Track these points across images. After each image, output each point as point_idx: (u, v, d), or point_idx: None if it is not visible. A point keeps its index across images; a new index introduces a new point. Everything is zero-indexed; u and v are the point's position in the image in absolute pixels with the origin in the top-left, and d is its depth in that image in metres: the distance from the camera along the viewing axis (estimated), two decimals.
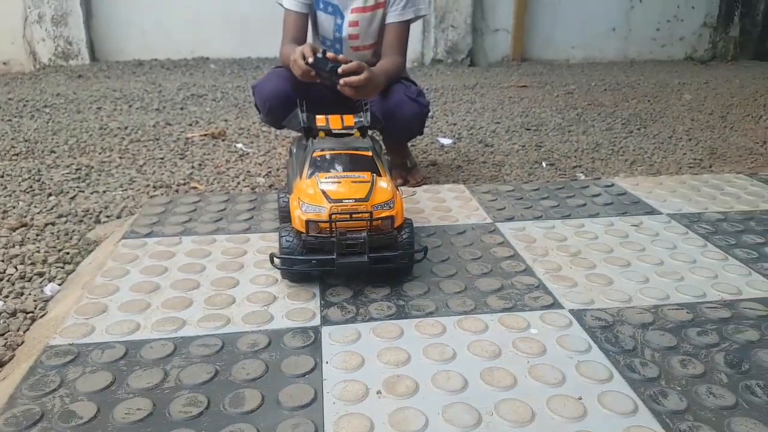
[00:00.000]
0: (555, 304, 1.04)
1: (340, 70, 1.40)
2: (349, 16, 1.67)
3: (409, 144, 1.96)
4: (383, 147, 1.76)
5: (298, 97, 1.38)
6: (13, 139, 2.44)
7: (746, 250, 1.27)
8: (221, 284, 1.11)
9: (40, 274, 1.35)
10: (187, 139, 2.45)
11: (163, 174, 2.02)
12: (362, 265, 1.03)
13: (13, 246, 1.49)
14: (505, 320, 0.98)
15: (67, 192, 1.86)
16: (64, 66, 4.16)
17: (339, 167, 1.14)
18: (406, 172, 1.85)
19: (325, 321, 0.99)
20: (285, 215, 1.24)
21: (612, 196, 1.59)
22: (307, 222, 1.04)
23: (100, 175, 2.02)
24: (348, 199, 1.04)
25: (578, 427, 0.75)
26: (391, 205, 1.07)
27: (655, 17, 5.07)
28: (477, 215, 1.45)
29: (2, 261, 1.40)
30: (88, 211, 1.70)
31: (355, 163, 1.14)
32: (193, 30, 4.36)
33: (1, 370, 1.01)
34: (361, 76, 1.41)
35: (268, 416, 0.77)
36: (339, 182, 1.08)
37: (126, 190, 1.88)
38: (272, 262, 1.09)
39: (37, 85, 3.60)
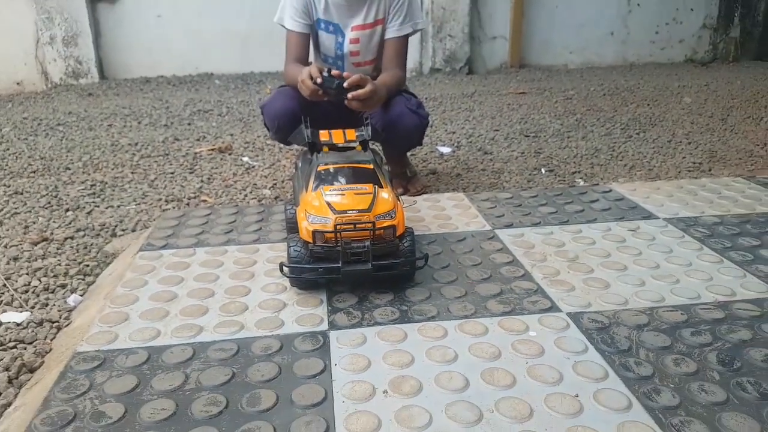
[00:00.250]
0: (553, 308, 1.09)
1: (345, 84, 1.47)
2: (350, 34, 1.74)
3: (408, 154, 2.02)
4: (384, 158, 1.83)
5: (304, 114, 1.45)
6: (29, 157, 2.53)
7: (741, 253, 1.31)
8: (234, 292, 1.17)
9: (63, 286, 1.42)
10: (196, 153, 2.52)
11: (174, 188, 2.09)
12: (366, 273, 1.09)
13: (36, 259, 1.56)
14: (504, 323, 1.03)
15: (84, 207, 1.94)
16: (75, 85, 4.27)
17: (342, 180, 1.20)
18: (407, 181, 1.91)
19: (333, 326, 1.04)
20: (292, 226, 1.30)
21: (609, 201, 1.64)
22: (314, 232, 1.10)
23: (113, 190, 2.10)
24: (352, 210, 1.10)
25: (575, 422, 0.80)
26: (393, 215, 1.12)
27: (653, 20, 5.12)
28: (476, 222, 1.50)
29: (27, 274, 1.47)
30: (104, 225, 1.77)
31: (357, 176, 1.20)
32: (196, 47, 4.46)
33: (32, 375, 1.07)
34: (366, 89, 1.48)
35: (282, 414, 0.82)
36: (343, 194, 1.14)
37: (139, 204, 1.95)
38: (282, 270, 1.14)
39: (50, 104, 3.70)
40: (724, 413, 0.80)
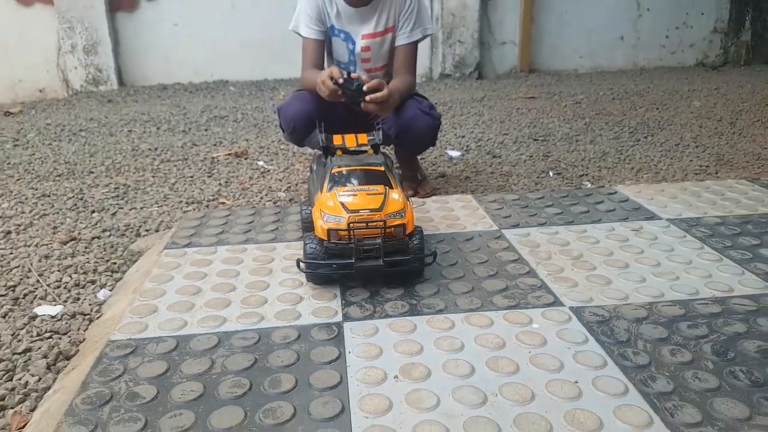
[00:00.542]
0: (556, 302, 1.15)
1: (365, 87, 1.54)
2: (361, 42, 1.81)
3: (419, 157, 2.09)
4: (394, 161, 1.89)
5: (319, 118, 1.52)
6: (54, 161, 2.63)
7: (741, 251, 1.35)
8: (254, 287, 1.25)
9: (92, 282, 1.50)
10: (213, 158, 2.61)
11: (193, 191, 2.18)
12: (378, 269, 1.16)
13: (66, 258, 1.64)
14: (509, 316, 1.09)
15: (108, 209, 2.03)
16: (95, 92, 4.40)
17: (355, 181, 1.27)
18: (417, 183, 1.98)
19: (347, 318, 1.11)
20: (307, 225, 1.37)
21: (614, 203, 1.69)
22: (329, 230, 1.17)
23: (136, 192, 2.19)
24: (364, 209, 1.17)
25: (573, 405, 0.86)
26: (403, 215, 1.19)
27: (663, 25, 5.14)
28: (484, 223, 1.56)
29: (58, 271, 1.56)
30: (128, 225, 1.86)
31: (369, 178, 1.27)
32: (212, 55, 4.57)
33: (68, 362, 1.15)
34: (384, 92, 1.55)
35: (301, 395, 0.89)
36: (355, 195, 1.21)
37: (161, 206, 2.03)
38: (298, 266, 1.22)
39: (72, 111, 3.82)
40: (716, 399, 0.86)
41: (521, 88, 4.26)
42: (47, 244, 1.75)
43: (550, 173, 2.30)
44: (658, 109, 3.44)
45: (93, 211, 2.01)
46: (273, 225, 1.60)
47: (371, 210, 1.17)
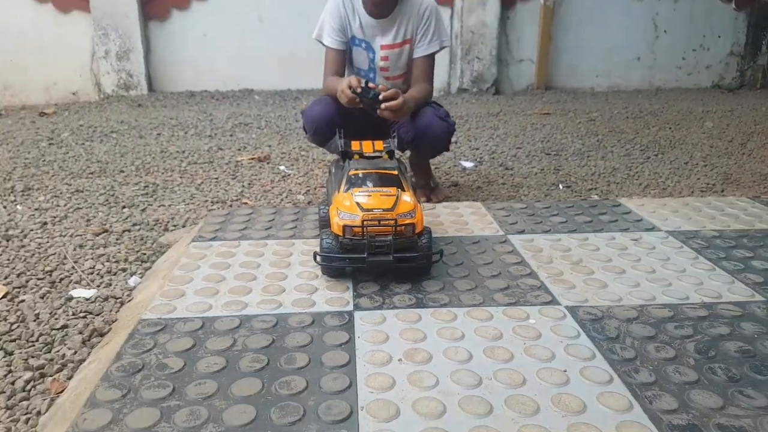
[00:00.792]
0: (553, 301, 1.23)
1: (381, 96, 1.65)
2: (380, 52, 1.92)
3: (433, 167, 2.18)
4: (408, 169, 1.99)
5: (339, 121, 1.62)
6: (87, 160, 2.78)
7: (734, 263, 1.42)
8: (273, 277, 1.35)
9: (123, 270, 1.62)
10: (237, 162, 2.74)
11: (218, 191, 2.30)
12: (388, 264, 1.25)
13: (98, 248, 1.76)
14: (508, 312, 1.18)
15: (138, 205, 2.15)
16: (125, 96, 4.59)
17: (370, 184, 1.37)
18: (429, 191, 2.07)
19: (357, 307, 1.21)
20: (324, 223, 1.47)
21: (617, 214, 1.77)
22: (344, 227, 1.27)
23: (164, 191, 2.31)
24: (377, 209, 1.27)
25: (561, 391, 0.94)
26: (413, 215, 1.29)
27: (680, 46, 5.20)
28: (491, 228, 1.65)
29: (92, 259, 1.68)
30: (157, 221, 1.98)
31: (383, 181, 1.37)
32: (239, 65, 4.75)
33: (102, 339, 1.26)
34: (399, 101, 1.66)
35: (314, 372, 0.99)
36: (370, 195, 1.31)
37: (188, 204, 2.16)
38: (315, 259, 1.32)
39: (103, 113, 4.00)
40: (693, 390, 0.93)
41: (537, 105, 4.35)
42: (81, 235, 1.87)
43: (560, 186, 2.37)
44: (670, 128, 3.50)
45: (124, 207, 2.14)
46: (292, 223, 1.71)
47: (384, 210, 1.27)
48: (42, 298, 1.47)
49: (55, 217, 2.03)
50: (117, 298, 1.46)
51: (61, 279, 1.58)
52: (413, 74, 1.95)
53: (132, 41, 4.55)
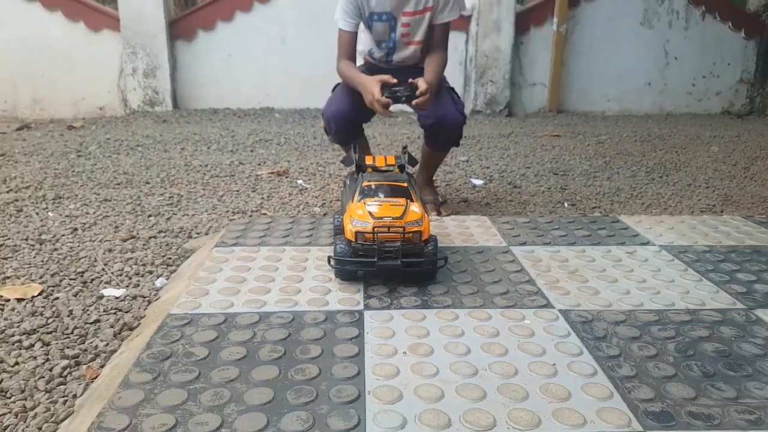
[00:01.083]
0: (548, 305, 1.32)
1: (414, 102, 1.83)
2: (402, 19, 2.02)
3: (444, 183, 2.30)
4: (416, 182, 2.11)
5: (357, 117, 1.72)
6: (114, 171, 2.93)
7: (721, 275, 1.50)
8: (290, 279, 1.46)
9: (150, 272, 1.74)
10: (257, 176, 2.88)
11: (239, 203, 2.43)
12: (396, 268, 1.36)
13: (126, 252, 1.89)
14: (505, 313, 1.28)
15: (163, 214, 2.29)
16: (150, 112, 4.79)
17: (381, 194, 1.49)
18: (439, 205, 2.18)
19: (367, 307, 1.31)
20: (338, 231, 1.59)
21: (615, 229, 1.86)
22: (356, 233, 1.39)
23: (188, 202, 2.45)
24: (387, 217, 1.38)
25: (549, 381, 1.03)
26: (420, 223, 1.40)
27: (690, 73, 5.30)
28: (495, 240, 1.75)
29: (120, 262, 1.80)
30: (182, 228, 2.11)
31: (393, 192, 1.49)
32: (260, 84, 4.95)
33: (131, 332, 1.38)
34: (428, 96, 1.82)
35: (326, 361, 1.09)
36: (381, 205, 1.43)
37: (210, 214, 2.29)
38: (329, 262, 1.43)
39: (129, 128, 4.18)
40: (670, 383, 1.02)
41: (548, 127, 4.45)
42: (110, 241, 2.00)
43: (566, 204, 2.47)
44: (677, 152, 3.58)
45: (149, 215, 2.27)
46: (308, 232, 1.83)
47: (393, 218, 1.38)
48: (75, 296, 1.59)
49: (84, 224, 2.16)
50: (144, 297, 1.58)
51: (92, 279, 1.70)
52: (432, 40, 2.05)
53: (159, 60, 4.76)
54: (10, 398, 1.15)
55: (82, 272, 1.74)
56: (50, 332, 1.40)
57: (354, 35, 2.06)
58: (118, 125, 4.32)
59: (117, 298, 1.58)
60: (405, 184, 1.52)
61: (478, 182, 2.77)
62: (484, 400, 0.96)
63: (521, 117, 5.00)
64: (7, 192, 2.52)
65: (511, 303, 1.33)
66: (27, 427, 1.06)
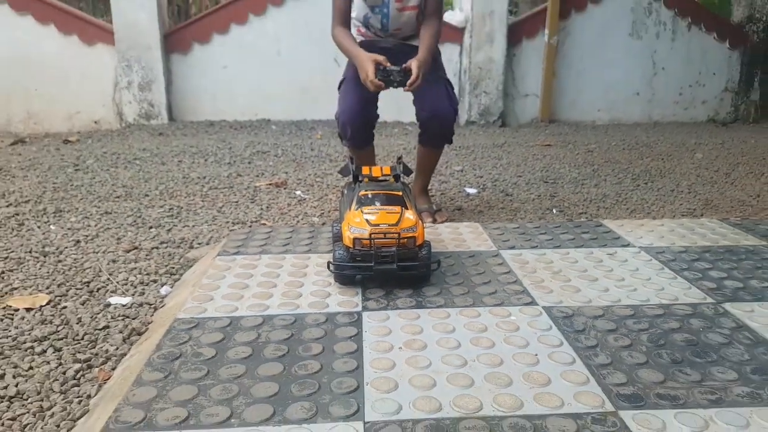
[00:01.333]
0: (532, 302, 1.42)
1: (405, 89, 1.92)
2: None
3: (439, 192, 2.39)
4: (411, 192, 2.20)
5: (367, 108, 1.86)
6: (113, 185, 2.99)
7: (694, 273, 1.61)
8: (291, 285, 1.55)
9: (155, 281, 1.81)
10: (256, 187, 2.96)
11: (238, 214, 2.51)
12: (392, 272, 1.45)
13: (130, 262, 1.96)
14: (493, 311, 1.37)
15: (164, 225, 2.36)
16: (146, 125, 4.84)
17: (378, 203, 1.58)
18: (434, 212, 2.28)
19: (365, 308, 1.40)
20: (337, 238, 1.67)
21: (598, 233, 1.96)
22: (354, 239, 1.47)
23: (188, 213, 2.52)
24: (383, 224, 1.47)
25: (531, 369, 1.12)
26: (414, 230, 1.49)
27: (677, 83, 5.44)
28: (486, 244, 1.85)
29: (125, 272, 1.87)
30: (183, 239, 2.18)
31: (389, 200, 1.58)
32: (257, 96, 5.01)
33: (139, 337, 1.45)
34: (418, 83, 1.90)
35: (327, 357, 1.17)
36: (377, 213, 1.52)
37: (210, 225, 2.37)
38: (329, 267, 1.52)
39: (125, 141, 4.23)
40: (641, 369, 1.11)
41: (540, 137, 4.56)
42: (113, 252, 2.07)
43: (554, 211, 2.57)
44: (662, 159, 3.70)
45: (150, 227, 2.35)
46: (308, 240, 1.91)
47: (389, 225, 1.47)
48: (82, 304, 1.66)
49: (87, 236, 2.23)
50: (150, 304, 1.65)
51: (98, 289, 1.77)
52: (426, 10, 2.11)
53: (154, 73, 4.81)
54: (27, 399, 1.22)
55: (88, 282, 1.80)
56: (61, 338, 1.47)
57: (348, 3, 2.11)
58: (114, 139, 4.37)
59: (124, 305, 1.65)
60: (400, 193, 1.61)
61: (471, 191, 2.87)
62: (472, 387, 1.05)
63: (514, 127, 5.12)
64: (7, 206, 2.58)
65: (498, 301, 1.42)
66: (45, 425, 1.14)
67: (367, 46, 2.11)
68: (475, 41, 4.97)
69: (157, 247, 2.11)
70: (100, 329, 1.52)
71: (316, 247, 1.85)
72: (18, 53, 4.78)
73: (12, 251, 2.05)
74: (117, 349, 1.42)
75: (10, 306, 1.63)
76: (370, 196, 1.60)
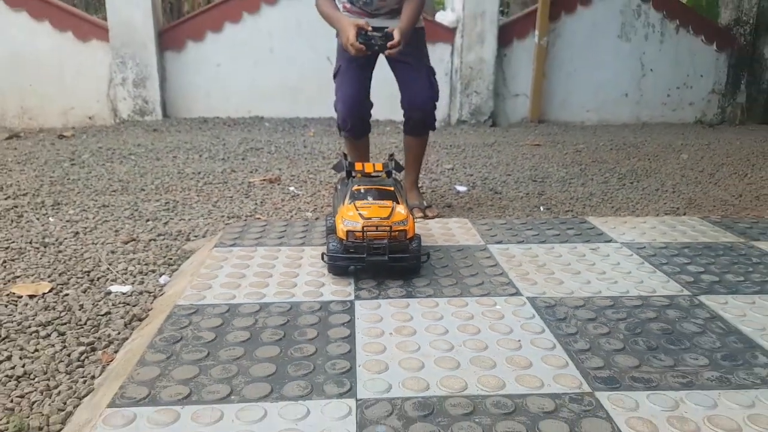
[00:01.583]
0: (517, 293, 1.49)
1: (386, 52, 1.99)
2: None
3: (429, 190, 2.45)
4: (403, 188, 2.27)
5: (361, 96, 1.93)
6: (109, 179, 3.03)
7: (673, 267, 1.68)
8: (287, 275, 1.61)
9: (153, 271, 1.86)
10: (250, 183, 3.01)
11: (233, 208, 2.56)
12: (383, 263, 1.51)
13: (129, 253, 2.01)
14: (480, 301, 1.43)
15: (161, 219, 2.41)
16: (141, 121, 4.87)
17: (370, 197, 1.64)
18: (425, 208, 2.35)
19: (357, 297, 1.46)
20: (330, 231, 1.74)
21: (582, 229, 2.03)
22: (347, 232, 1.54)
23: (184, 207, 2.57)
24: (375, 217, 1.54)
25: (514, 353, 1.19)
26: (405, 223, 1.55)
27: (665, 84, 5.55)
28: (474, 239, 1.92)
29: (124, 262, 1.93)
30: (180, 232, 2.23)
31: (381, 195, 1.64)
32: (250, 93, 5.06)
33: (140, 323, 1.51)
34: (399, 48, 1.97)
35: (321, 341, 1.24)
36: (370, 207, 1.58)
37: (206, 219, 2.42)
38: (323, 259, 1.58)
39: (120, 137, 4.27)
40: (618, 355, 1.18)
41: (529, 137, 4.64)
42: (111, 243, 2.12)
43: (541, 208, 2.64)
44: (649, 159, 3.78)
45: (147, 220, 2.39)
46: (302, 234, 1.97)
47: (381, 218, 1.53)
48: (84, 292, 1.71)
49: (85, 228, 2.28)
50: (150, 293, 1.70)
51: (99, 278, 1.82)
52: None
53: (148, 70, 4.85)
54: (34, 379, 1.28)
55: (89, 271, 1.86)
56: (64, 323, 1.52)
57: None
58: (109, 134, 4.41)
59: (124, 293, 1.71)
60: (392, 188, 1.68)
61: (461, 189, 2.94)
62: (458, 369, 1.12)
63: (504, 127, 5.19)
64: (5, 199, 2.62)
65: (485, 292, 1.49)
66: (53, 402, 1.19)
67: None
68: (466, 41, 5.04)
69: (154, 239, 2.16)
70: (102, 315, 1.57)
71: (310, 240, 1.91)
72: (13, 49, 4.79)
73: (12, 242, 2.09)
74: (119, 333, 1.48)
75: (14, 293, 1.67)
76: (362, 190, 1.66)
